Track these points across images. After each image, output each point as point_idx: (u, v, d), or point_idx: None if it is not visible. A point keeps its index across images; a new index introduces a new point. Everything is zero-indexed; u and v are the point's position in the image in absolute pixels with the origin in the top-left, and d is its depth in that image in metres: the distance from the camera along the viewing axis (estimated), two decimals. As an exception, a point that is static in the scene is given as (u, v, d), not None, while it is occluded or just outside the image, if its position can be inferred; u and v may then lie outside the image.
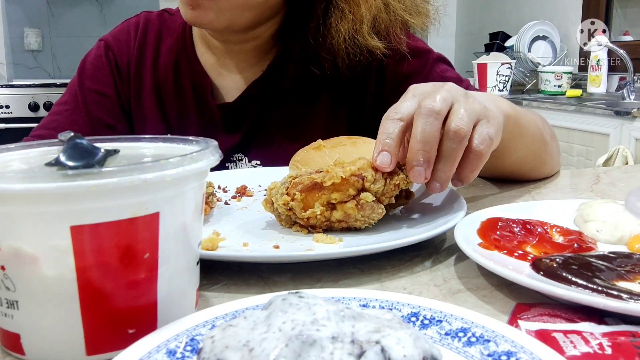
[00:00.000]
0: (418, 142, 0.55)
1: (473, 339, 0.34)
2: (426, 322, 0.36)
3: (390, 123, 0.57)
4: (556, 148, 0.93)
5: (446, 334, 0.35)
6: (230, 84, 0.98)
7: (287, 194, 0.58)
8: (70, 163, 0.37)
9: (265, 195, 0.62)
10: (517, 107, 0.74)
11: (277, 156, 0.93)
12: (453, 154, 0.56)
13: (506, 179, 0.87)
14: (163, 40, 1.00)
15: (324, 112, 0.97)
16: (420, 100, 0.58)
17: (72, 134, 0.41)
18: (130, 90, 0.99)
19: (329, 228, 0.58)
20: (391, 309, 0.38)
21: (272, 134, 0.96)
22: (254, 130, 0.97)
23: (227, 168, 0.97)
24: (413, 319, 0.36)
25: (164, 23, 1.01)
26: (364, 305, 0.38)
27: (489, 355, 0.33)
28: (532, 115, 0.83)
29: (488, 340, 0.33)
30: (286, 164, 0.79)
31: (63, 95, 1.02)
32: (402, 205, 0.64)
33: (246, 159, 0.97)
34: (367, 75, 0.94)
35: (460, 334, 0.35)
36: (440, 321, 0.36)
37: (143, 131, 0.99)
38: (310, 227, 0.59)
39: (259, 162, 0.96)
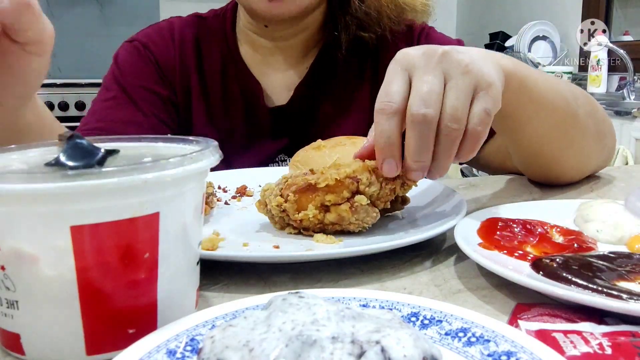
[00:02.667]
0: (414, 154, 0.54)
1: (473, 339, 0.34)
2: (426, 322, 0.36)
3: (386, 121, 0.54)
4: (595, 127, 0.80)
5: (446, 334, 0.35)
6: (275, 82, 0.99)
7: (280, 195, 0.57)
8: (70, 163, 0.37)
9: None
10: (525, 67, 0.68)
11: None
12: (449, 150, 0.54)
13: (538, 167, 0.81)
14: (203, 45, 1.00)
15: (368, 101, 0.98)
16: (410, 75, 0.55)
17: (72, 133, 0.41)
18: (177, 96, 0.98)
19: (322, 231, 0.58)
20: (391, 309, 0.38)
21: (318, 134, 0.96)
22: (302, 132, 0.97)
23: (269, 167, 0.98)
24: (413, 319, 0.36)
25: (200, 28, 1.01)
26: (364, 305, 0.38)
27: (489, 355, 0.33)
28: (554, 80, 0.76)
29: (488, 340, 0.33)
30: None
31: (104, 93, 0.97)
32: (398, 211, 0.64)
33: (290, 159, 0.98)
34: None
35: (460, 334, 0.35)
36: (440, 321, 0.36)
37: (190, 133, 0.97)
38: (303, 230, 0.59)
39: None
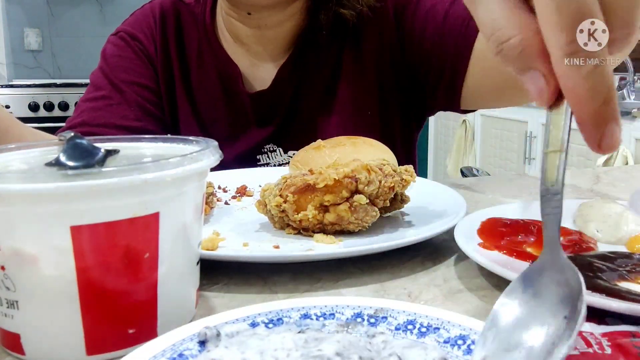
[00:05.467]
0: None
1: (473, 346, 0.33)
2: (423, 329, 0.35)
3: None
4: None
5: (445, 342, 0.34)
6: (263, 73, 0.95)
7: (279, 195, 0.57)
8: (70, 163, 0.37)
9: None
10: None
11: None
12: None
13: None
14: (184, 29, 0.96)
15: (351, 84, 0.94)
16: None
17: (72, 133, 0.41)
18: (160, 80, 0.95)
19: (322, 231, 0.58)
20: (385, 318, 0.37)
21: (304, 121, 0.93)
22: (288, 120, 0.94)
23: (259, 160, 0.95)
24: (410, 327, 0.36)
25: (181, 12, 0.97)
26: (358, 315, 0.37)
27: None
28: None
29: None
30: None
31: (93, 91, 0.94)
32: (398, 209, 0.64)
33: (280, 149, 0.95)
34: (384, 26, 0.93)
35: (460, 342, 0.34)
36: (438, 328, 0.35)
37: (177, 123, 0.96)
38: (302, 230, 0.59)
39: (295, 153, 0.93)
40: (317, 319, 0.36)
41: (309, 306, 0.37)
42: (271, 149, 0.95)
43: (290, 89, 0.94)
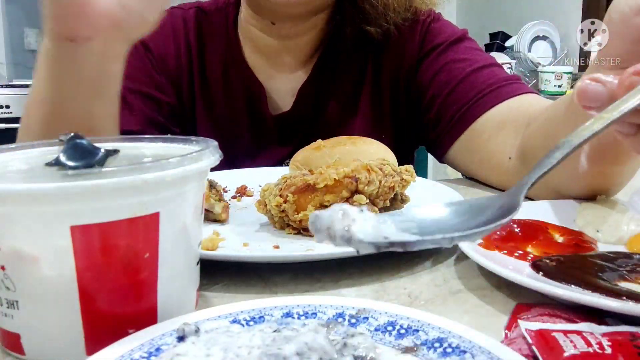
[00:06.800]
0: None
1: (449, 350, 0.33)
2: (402, 331, 0.35)
3: None
4: None
5: (422, 343, 0.34)
6: (280, 85, 0.95)
7: (280, 195, 0.57)
8: (70, 163, 0.37)
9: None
10: None
11: None
12: None
13: (590, 186, 0.66)
14: (206, 44, 0.95)
15: (369, 104, 0.95)
16: None
17: (72, 134, 0.41)
18: (182, 101, 0.93)
19: None
20: (367, 318, 0.36)
21: (325, 138, 0.92)
22: (309, 137, 0.92)
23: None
24: (389, 328, 0.36)
25: (202, 24, 0.95)
26: (339, 314, 0.37)
27: None
28: None
29: (464, 352, 0.33)
30: None
31: None
32: (398, 209, 0.64)
33: None
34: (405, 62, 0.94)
35: (436, 344, 0.34)
36: (417, 330, 0.35)
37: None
38: (302, 230, 0.59)
39: None
40: (298, 318, 0.36)
41: (291, 305, 0.37)
42: (288, 164, 0.96)
43: (310, 108, 0.94)
